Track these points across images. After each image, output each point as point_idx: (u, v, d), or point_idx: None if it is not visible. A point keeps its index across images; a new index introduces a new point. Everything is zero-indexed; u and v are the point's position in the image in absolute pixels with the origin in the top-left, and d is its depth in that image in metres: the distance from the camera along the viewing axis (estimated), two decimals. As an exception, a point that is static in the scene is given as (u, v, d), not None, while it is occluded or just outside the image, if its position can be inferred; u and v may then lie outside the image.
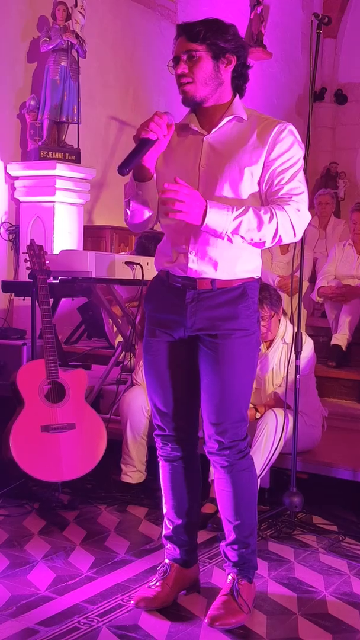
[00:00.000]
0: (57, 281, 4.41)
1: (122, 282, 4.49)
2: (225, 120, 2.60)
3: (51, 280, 4.20)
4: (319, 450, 4.03)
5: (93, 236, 7.13)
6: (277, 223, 2.48)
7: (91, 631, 2.59)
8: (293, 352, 3.61)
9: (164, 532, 2.90)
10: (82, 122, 6.85)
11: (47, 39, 6.56)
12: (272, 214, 2.48)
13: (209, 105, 2.61)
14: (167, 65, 2.60)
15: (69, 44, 6.59)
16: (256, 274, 2.69)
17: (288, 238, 2.54)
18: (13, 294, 6.14)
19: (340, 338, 5.46)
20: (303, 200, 2.55)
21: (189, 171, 2.59)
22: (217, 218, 2.43)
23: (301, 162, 2.60)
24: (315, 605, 2.86)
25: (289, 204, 2.51)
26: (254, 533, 2.75)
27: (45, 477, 3.69)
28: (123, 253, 5.81)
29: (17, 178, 6.63)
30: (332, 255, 5.98)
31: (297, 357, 3.61)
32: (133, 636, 2.57)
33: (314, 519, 3.74)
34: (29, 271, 3.97)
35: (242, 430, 2.68)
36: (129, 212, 2.67)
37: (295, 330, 3.68)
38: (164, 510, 2.87)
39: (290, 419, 3.65)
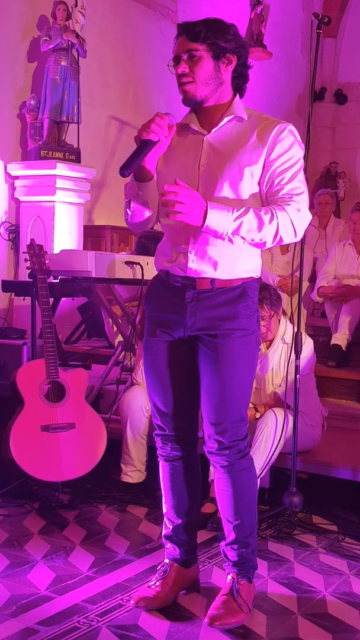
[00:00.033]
0: (57, 281, 4.42)
1: (122, 281, 4.49)
2: (226, 120, 2.60)
3: (51, 279, 4.20)
4: (319, 450, 4.03)
5: (93, 236, 7.14)
6: (277, 223, 2.48)
7: (91, 631, 2.59)
8: (293, 351, 3.62)
9: (163, 532, 2.90)
10: (82, 121, 6.85)
11: (48, 38, 6.56)
12: (272, 215, 2.48)
13: (209, 105, 2.61)
14: (168, 65, 2.60)
15: (69, 43, 6.59)
16: (256, 273, 2.69)
17: (289, 238, 2.54)
18: (13, 294, 6.15)
19: (340, 338, 5.46)
20: (303, 200, 2.55)
21: (189, 171, 2.60)
22: (218, 219, 2.43)
23: (301, 162, 2.60)
24: (315, 605, 2.86)
25: (289, 204, 2.51)
26: (254, 533, 2.76)
27: (45, 476, 3.69)
28: (123, 253, 5.81)
29: (17, 178, 6.63)
30: (332, 255, 5.98)
31: (297, 357, 3.61)
32: (133, 636, 2.57)
33: (313, 518, 3.74)
34: (29, 271, 3.98)
35: (242, 430, 2.68)
36: (129, 212, 2.67)
37: (295, 330, 3.68)
38: (164, 510, 2.87)
39: (290, 418, 3.65)
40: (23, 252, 4.08)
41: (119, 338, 5.04)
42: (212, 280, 2.61)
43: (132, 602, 2.78)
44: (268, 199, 2.58)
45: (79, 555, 3.26)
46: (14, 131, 6.71)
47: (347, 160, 10.63)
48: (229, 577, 2.74)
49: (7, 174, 6.61)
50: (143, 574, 3.06)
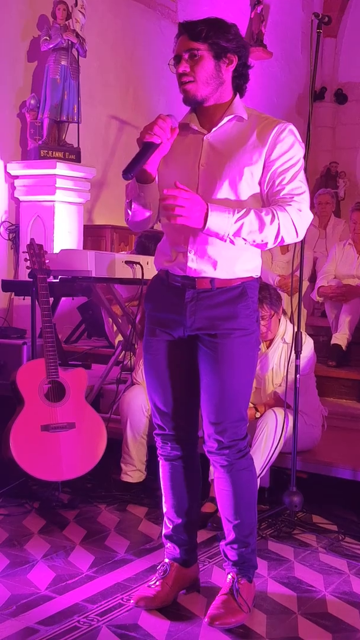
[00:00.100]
0: (57, 280, 4.41)
1: (122, 281, 4.49)
2: (226, 119, 2.60)
3: (51, 279, 4.20)
4: (319, 450, 4.03)
5: (93, 235, 7.14)
6: (278, 224, 2.48)
7: (91, 630, 2.59)
8: (293, 351, 3.62)
9: (163, 532, 2.90)
10: (82, 121, 6.85)
11: (48, 38, 6.56)
12: (273, 215, 2.48)
13: (210, 105, 2.61)
14: (168, 64, 2.59)
15: (69, 43, 6.59)
16: (256, 273, 2.69)
17: (290, 238, 2.54)
18: (13, 293, 6.15)
19: (340, 337, 5.46)
20: (304, 200, 2.56)
21: (189, 170, 2.60)
22: (219, 221, 2.43)
23: (302, 162, 2.60)
24: (315, 604, 2.86)
25: (290, 205, 2.51)
26: (254, 532, 2.76)
27: (45, 476, 3.69)
28: (123, 252, 5.81)
29: (17, 177, 6.63)
30: (332, 254, 5.98)
31: (297, 357, 3.61)
32: (133, 635, 2.57)
33: (313, 518, 3.74)
34: (29, 270, 3.97)
35: (242, 429, 2.68)
36: (130, 212, 2.67)
37: (295, 329, 3.68)
38: (164, 510, 2.87)
39: (290, 418, 3.65)
40: (23, 252, 4.08)
41: (119, 338, 5.04)
42: (212, 280, 2.60)
43: (132, 601, 2.78)
44: (269, 199, 2.58)
45: (79, 554, 3.26)
46: (14, 131, 6.71)
47: (347, 160, 10.62)
48: (229, 576, 2.74)
49: (7, 173, 6.61)
50: (143, 574, 3.06)
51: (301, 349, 3.63)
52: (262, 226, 2.47)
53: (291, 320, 3.95)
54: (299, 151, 2.59)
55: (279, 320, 3.90)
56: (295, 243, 2.97)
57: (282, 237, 2.51)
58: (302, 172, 2.60)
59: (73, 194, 6.73)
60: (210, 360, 2.63)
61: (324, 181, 10.43)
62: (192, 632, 2.61)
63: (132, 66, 7.92)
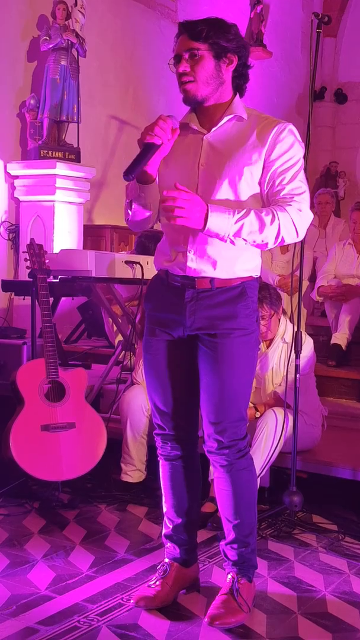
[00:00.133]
0: (57, 280, 4.41)
1: (122, 281, 4.49)
2: (225, 119, 2.60)
3: (51, 279, 4.20)
4: (319, 450, 4.03)
5: (93, 235, 7.13)
6: (279, 224, 2.48)
7: (91, 630, 2.59)
8: (293, 351, 3.62)
9: (163, 531, 2.90)
10: (82, 121, 6.85)
11: (47, 38, 6.56)
12: (273, 216, 2.48)
13: (210, 105, 2.61)
14: (168, 64, 2.59)
15: (69, 43, 6.59)
16: (255, 273, 2.69)
17: (290, 238, 2.54)
18: (13, 293, 6.15)
19: (340, 337, 5.46)
20: (305, 200, 2.56)
21: (189, 170, 2.60)
22: (219, 222, 2.43)
23: (302, 162, 2.60)
24: (315, 604, 2.86)
25: (290, 205, 2.51)
26: (254, 532, 2.76)
27: (45, 476, 3.69)
28: (123, 252, 5.81)
29: (17, 177, 6.63)
30: (332, 254, 5.98)
31: (297, 356, 3.61)
32: (133, 635, 2.57)
33: (313, 518, 3.74)
34: (28, 270, 3.97)
35: (242, 429, 2.68)
36: (130, 212, 2.67)
37: (295, 329, 3.68)
38: (164, 510, 2.87)
39: (290, 418, 3.65)
40: (23, 252, 4.08)
41: (119, 337, 5.04)
42: (212, 280, 2.61)
43: (132, 601, 2.78)
44: (269, 199, 2.58)
45: (79, 554, 3.26)
46: (13, 131, 6.71)
47: (347, 160, 10.63)
48: (229, 576, 2.74)
49: (6, 173, 6.61)
50: (143, 574, 3.06)
51: (301, 349, 3.63)
52: (262, 226, 2.47)
53: (291, 320, 3.95)
54: (298, 151, 2.59)
55: (279, 320, 3.90)
56: (295, 243, 2.97)
57: (282, 237, 2.52)
58: (302, 172, 2.60)
59: (73, 194, 6.73)
60: (210, 360, 2.63)
61: (323, 181, 10.44)
62: (192, 632, 2.61)
63: (132, 66, 7.92)
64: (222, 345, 2.60)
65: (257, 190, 2.59)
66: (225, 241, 2.48)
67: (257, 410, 3.79)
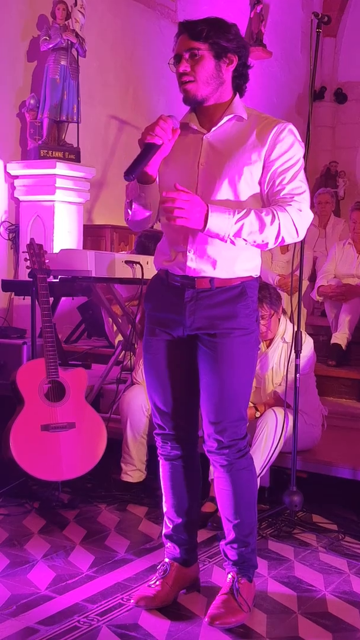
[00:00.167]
0: (57, 280, 4.41)
1: (122, 281, 4.49)
2: (225, 119, 2.60)
3: (51, 279, 4.20)
4: (319, 449, 4.03)
5: (93, 235, 7.13)
6: (279, 224, 2.48)
7: (91, 630, 2.59)
8: (293, 351, 3.62)
9: (164, 531, 2.90)
10: (82, 121, 6.85)
11: (47, 38, 6.56)
12: (273, 216, 2.48)
13: (210, 104, 2.61)
14: (168, 63, 2.59)
15: (69, 43, 6.59)
16: (255, 272, 2.69)
17: (291, 238, 2.55)
18: (13, 293, 6.15)
19: (340, 337, 5.46)
20: (305, 199, 2.56)
21: (188, 170, 2.60)
22: (219, 222, 2.43)
23: (302, 162, 2.61)
24: (315, 604, 2.86)
25: (290, 205, 2.52)
26: (254, 532, 2.75)
27: (45, 476, 3.69)
28: (123, 252, 5.81)
29: (17, 177, 6.63)
30: (332, 254, 5.98)
31: (297, 356, 3.61)
32: (133, 635, 2.57)
33: (313, 517, 3.74)
34: (28, 270, 3.97)
35: (242, 429, 2.68)
36: (130, 212, 2.67)
37: (295, 329, 3.68)
38: (164, 509, 2.87)
39: (290, 417, 3.65)
40: (23, 252, 4.08)
41: (119, 337, 5.04)
42: (211, 280, 2.60)
43: (132, 601, 2.78)
44: (269, 199, 2.58)
45: (79, 554, 3.26)
46: (13, 130, 6.71)
47: (347, 160, 10.63)
48: (229, 576, 2.74)
49: (6, 173, 6.61)
50: (143, 573, 3.06)
51: (301, 349, 3.63)
52: (262, 227, 2.47)
53: (291, 319, 3.95)
54: (298, 151, 2.59)
55: (279, 319, 3.90)
56: (295, 243, 2.97)
57: (282, 237, 2.52)
58: (302, 171, 2.60)
59: (73, 194, 6.73)
60: (210, 360, 2.63)
61: (323, 181, 10.44)
62: (192, 632, 2.61)
63: (132, 66, 7.92)
64: (222, 345, 2.60)
65: (257, 190, 2.59)
66: (226, 241, 2.48)
67: (257, 410, 3.79)
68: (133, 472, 4.02)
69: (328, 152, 10.68)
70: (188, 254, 2.60)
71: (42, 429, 3.69)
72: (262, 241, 2.50)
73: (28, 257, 3.93)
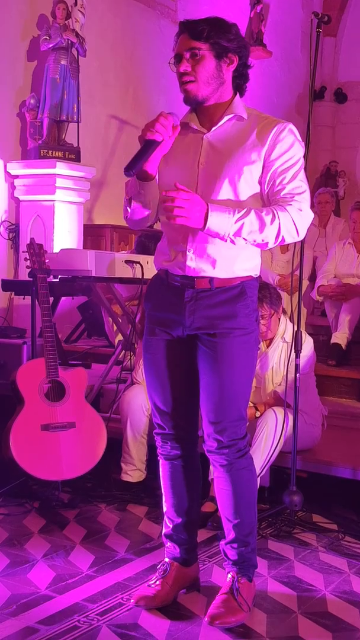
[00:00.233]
0: (57, 280, 4.41)
1: (122, 280, 4.49)
2: (225, 118, 2.60)
3: (51, 279, 4.20)
4: (319, 449, 4.03)
5: (93, 235, 7.13)
6: (279, 224, 2.48)
7: (91, 630, 2.59)
8: (293, 350, 3.62)
9: (163, 531, 2.90)
10: (82, 120, 6.84)
11: (47, 37, 6.55)
12: (274, 215, 2.48)
13: (210, 104, 2.61)
14: (169, 63, 2.59)
15: (69, 42, 6.59)
16: (255, 272, 2.69)
17: (291, 238, 2.55)
18: (13, 293, 6.15)
19: (340, 337, 5.46)
20: (305, 199, 2.56)
21: (188, 169, 2.60)
22: (219, 221, 2.44)
23: (302, 161, 2.61)
24: (315, 603, 2.86)
25: (290, 204, 2.52)
26: (254, 532, 2.76)
27: (45, 475, 3.69)
28: (123, 252, 5.81)
29: (17, 177, 6.63)
30: (332, 254, 5.98)
31: (297, 356, 3.61)
32: (133, 635, 2.57)
33: (313, 517, 3.74)
34: (28, 270, 3.97)
35: (241, 429, 2.68)
36: (129, 209, 2.67)
37: (295, 328, 3.68)
38: (164, 509, 2.87)
39: (290, 417, 3.65)
40: (23, 252, 4.08)
41: (119, 337, 5.04)
42: (211, 280, 2.60)
43: (132, 601, 2.78)
44: (269, 199, 2.58)
45: (79, 554, 3.26)
46: (13, 130, 6.71)
47: (347, 159, 10.62)
48: (229, 575, 2.74)
49: (6, 173, 6.61)
50: (143, 573, 3.06)
51: (301, 348, 3.63)
52: (262, 226, 2.47)
53: (291, 319, 3.95)
54: (299, 150, 2.59)
55: (279, 319, 3.90)
56: (295, 242, 2.97)
57: (282, 236, 2.52)
58: (303, 171, 2.60)
59: (73, 194, 6.73)
60: (210, 360, 2.63)
61: (323, 180, 10.43)
62: (192, 632, 2.61)
63: (132, 66, 7.91)
64: (221, 344, 2.60)
65: (257, 189, 2.59)
66: (226, 240, 2.48)
67: (257, 409, 3.80)
68: (133, 472, 4.02)
69: (328, 152, 10.68)
70: (188, 253, 2.60)
71: (42, 429, 3.69)
72: (262, 240, 2.50)
73: (28, 257, 3.93)
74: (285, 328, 3.90)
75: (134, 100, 7.95)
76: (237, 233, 2.46)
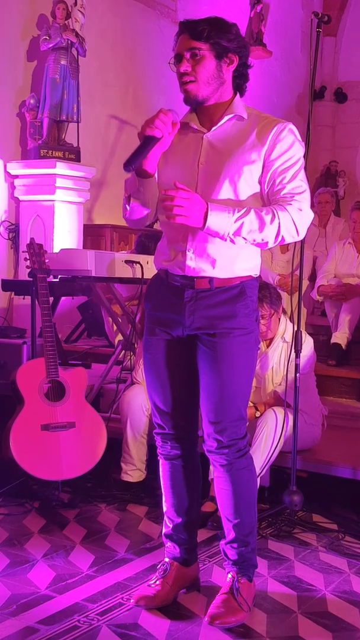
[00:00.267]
0: (57, 280, 4.41)
1: (122, 280, 4.49)
2: (226, 118, 2.60)
3: (51, 279, 4.20)
4: (319, 449, 4.03)
5: (93, 235, 7.13)
6: (279, 223, 2.48)
7: (91, 630, 2.59)
8: (293, 350, 3.62)
9: (163, 531, 2.90)
10: (82, 120, 6.84)
11: (47, 37, 6.55)
12: (273, 215, 2.48)
13: (210, 104, 2.61)
14: (169, 63, 2.59)
15: (69, 42, 6.59)
16: (255, 272, 2.69)
17: (291, 238, 2.55)
18: (13, 293, 6.15)
19: (340, 337, 5.46)
20: (305, 199, 2.56)
21: (188, 169, 2.60)
22: (218, 221, 2.44)
23: (302, 161, 2.61)
24: (315, 603, 2.86)
25: (290, 204, 2.52)
26: (254, 531, 2.76)
27: (45, 475, 3.69)
28: (123, 252, 5.81)
29: (17, 177, 6.63)
30: (332, 253, 5.98)
31: (297, 356, 3.61)
32: (133, 635, 2.57)
33: (313, 517, 3.74)
34: (28, 270, 3.97)
35: (241, 428, 2.68)
36: (128, 207, 2.67)
37: (295, 328, 3.68)
38: (164, 509, 2.87)
39: (290, 417, 3.65)
40: (23, 251, 4.08)
41: (119, 337, 5.04)
42: (211, 280, 2.60)
43: (132, 601, 2.78)
44: (269, 199, 2.58)
45: (79, 554, 3.26)
46: (13, 130, 6.71)
47: (347, 159, 10.62)
48: (229, 575, 2.74)
49: (6, 173, 6.61)
50: (143, 573, 3.06)
51: (301, 348, 3.63)
52: (262, 225, 2.47)
53: (291, 319, 3.95)
54: (299, 150, 2.59)
55: (279, 319, 3.90)
56: (295, 242, 2.97)
57: (282, 236, 2.52)
58: (303, 171, 2.60)
59: (73, 194, 6.73)
60: (210, 360, 2.63)
61: (323, 180, 10.43)
62: (192, 632, 2.61)
63: (132, 66, 7.91)
64: (221, 344, 2.60)
65: (257, 189, 2.59)
66: (225, 240, 2.48)
67: (257, 409, 3.80)
68: (133, 472, 4.02)
69: (328, 152, 10.68)
70: (187, 252, 2.60)
71: (42, 429, 3.69)
72: (262, 240, 2.50)
73: (28, 257, 3.93)
74: (285, 328, 3.90)
75: (134, 100, 7.95)
76: (237, 232, 2.46)
